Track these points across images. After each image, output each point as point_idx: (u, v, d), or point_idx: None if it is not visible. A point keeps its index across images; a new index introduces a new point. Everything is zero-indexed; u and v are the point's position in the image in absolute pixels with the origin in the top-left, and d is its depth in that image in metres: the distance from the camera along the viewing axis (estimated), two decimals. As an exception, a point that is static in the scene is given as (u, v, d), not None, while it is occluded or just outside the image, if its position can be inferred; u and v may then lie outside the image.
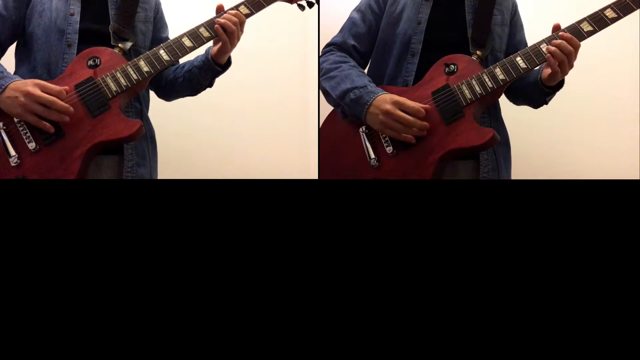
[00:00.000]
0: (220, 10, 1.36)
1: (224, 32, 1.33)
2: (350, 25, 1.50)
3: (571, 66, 1.29)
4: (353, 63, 1.45)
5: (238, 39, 1.35)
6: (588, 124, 1.84)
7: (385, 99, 1.33)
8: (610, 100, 1.82)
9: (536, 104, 1.46)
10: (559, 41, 1.27)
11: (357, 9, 1.51)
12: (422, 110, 1.31)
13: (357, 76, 1.40)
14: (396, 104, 1.32)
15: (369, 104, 1.34)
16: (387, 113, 1.32)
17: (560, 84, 1.36)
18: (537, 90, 1.37)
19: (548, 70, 1.30)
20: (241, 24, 1.34)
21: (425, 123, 1.31)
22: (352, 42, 1.48)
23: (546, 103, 1.44)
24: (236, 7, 1.36)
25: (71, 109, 1.25)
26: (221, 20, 1.32)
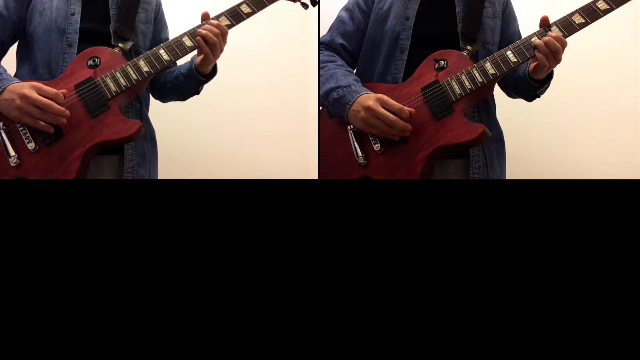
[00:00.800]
0: (205, 18, 1.34)
1: (205, 44, 1.31)
2: (338, 24, 1.49)
3: (558, 61, 1.27)
4: (340, 62, 1.44)
5: (221, 50, 1.34)
6: (587, 124, 1.83)
7: (368, 97, 1.31)
8: (610, 100, 1.80)
9: (527, 97, 1.44)
10: (547, 38, 1.25)
11: (345, 8, 1.50)
12: (406, 110, 1.28)
13: (342, 75, 1.38)
14: (379, 100, 1.29)
15: (351, 103, 1.32)
16: (368, 109, 1.29)
17: (549, 77, 1.35)
18: (526, 83, 1.36)
19: (534, 63, 1.28)
20: (223, 35, 1.32)
21: (407, 124, 1.28)
22: (340, 40, 1.47)
23: (538, 96, 1.42)
24: (238, 6, 1.35)
25: (67, 112, 1.25)
26: (202, 31, 1.30)
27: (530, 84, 1.35)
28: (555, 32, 1.27)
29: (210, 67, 1.37)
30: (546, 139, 1.85)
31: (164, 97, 1.51)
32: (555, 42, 1.24)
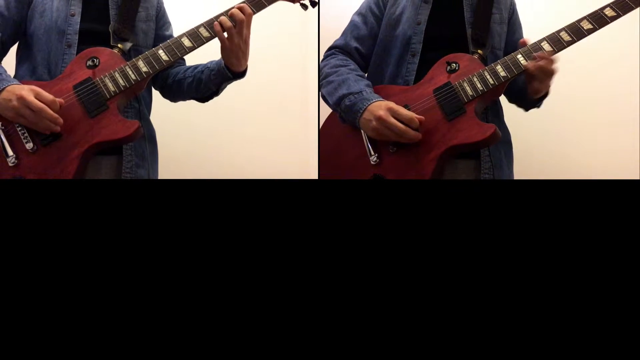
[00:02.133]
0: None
1: (220, 29, 1.30)
2: (352, 28, 1.50)
3: (552, 78, 1.32)
4: (353, 66, 1.45)
5: (242, 36, 1.31)
6: (588, 124, 1.84)
7: (380, 106, 1.32)
8: (610, 101, 1.82)
9: (527, 109, 1.49)
10: (536, 64, 1.28)
11: (358, 12, 1.52)
12: (416, 120, 1.29)
13: (354, 81, 1.40)
14: (390, 110, 1.30)
15: (362, 111, 1.33)
16: (379, 119, 1.30)
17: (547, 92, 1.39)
18: (526, 99, 1.41)
19: (531, 88, 1.33)
20: (239, 23, 1.30)
21: (417, 133, 1.30)
22: (354, 44, 1.48)
23: (538, 107, 1.46)
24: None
25: (60, 119, 1.24)
26: (222, 17, 1.30)
27: (532, 102, 1.40)
28: (564, 37, 1.30)
29: (233, 59, 1.34)
30: (546, 140, 1.86)
31: (178, 95, 1.49)
32: (544, 66, 1.28)
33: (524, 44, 1.32)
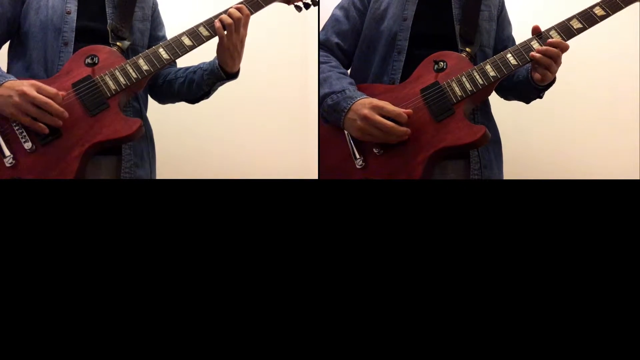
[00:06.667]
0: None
1: (221, 26, 1.29)
2: (333, 23, 1.46)
3: (559, 65, 1.27)
4: (334, 63, 1.41)
5: (239, 35, 1.31)
6: (588, 124, 1.83)
7: (363, 104, 1.28)
8: (610, 100, 1.81)
9: (529, 100, 1.44)
10: (544, 48, 1.25)
11: (340, 7, 1.47)
12: (404, 114, 1.26)
13: (336, 79, 1.36)
14: (375, 108, 1.27)
15: (346, 110, 1.30)
16: (365, 118, 1.27)
17: (553, 79, 1.34)
18: (529, 88, 1.35)
19: (538, 75, 1.28)
20: (237, 21, 1.29)
21: (406, 129, 1.26)
22: (335, 39, 1.44)
23: (540, 97, 1.42)
24: (235, 8, 1.34)
25: (65, 113, 1.22)
26: (223, 15, 1.30)
27: (535, 88, 1.34)
28: (554, 36, 1.27)
29: (227, 58, 1.33)
30: (542, 139, 1.86)
31: (167, 96, 1.49)
32: (552, 49, 1.25)
33: (537, 29, 1.28)
